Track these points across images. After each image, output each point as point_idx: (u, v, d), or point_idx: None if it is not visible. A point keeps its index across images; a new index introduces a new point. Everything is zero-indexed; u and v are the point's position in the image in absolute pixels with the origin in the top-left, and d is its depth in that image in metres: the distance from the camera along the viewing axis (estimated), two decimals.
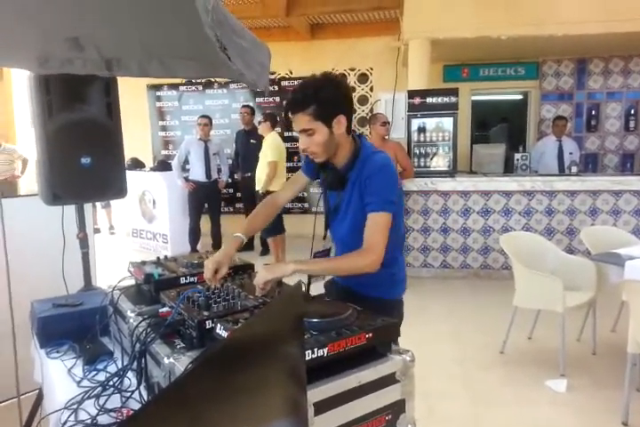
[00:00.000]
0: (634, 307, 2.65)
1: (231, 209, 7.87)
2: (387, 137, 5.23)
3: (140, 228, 7.12)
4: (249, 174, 6.52)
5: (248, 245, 6.70)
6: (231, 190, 7.73)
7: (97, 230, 7.40)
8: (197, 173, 6.39)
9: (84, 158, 2.39)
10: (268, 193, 5.61)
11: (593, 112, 7.49)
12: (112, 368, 1.55)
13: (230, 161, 7.17)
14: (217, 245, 6.35)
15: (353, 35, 7.48)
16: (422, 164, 5.87)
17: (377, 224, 1.63)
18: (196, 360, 1.17)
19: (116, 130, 2.53)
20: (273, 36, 7.23)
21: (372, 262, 1.59)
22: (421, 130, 5.86)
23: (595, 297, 3.38)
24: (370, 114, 7.65)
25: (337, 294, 1.88)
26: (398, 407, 1.25)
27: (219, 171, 6.63)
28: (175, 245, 6.51)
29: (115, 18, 1.74)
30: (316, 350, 1.13)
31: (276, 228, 5.73)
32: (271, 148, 5.74)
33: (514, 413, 2.82)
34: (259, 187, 5.81)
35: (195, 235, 6.43)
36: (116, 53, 1.93)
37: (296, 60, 7.41)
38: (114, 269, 2.63)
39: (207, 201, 6.51)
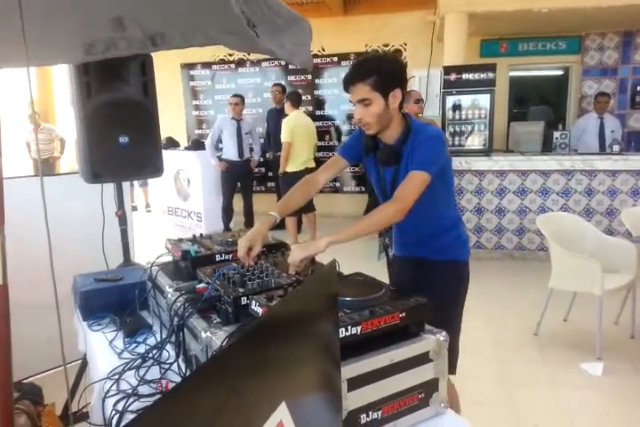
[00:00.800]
0: None
1: (263, 188, 7.92)
2: (420, 115, 5.13)
3: (175, 206, 7.25)
4: (279, 154, 6.52)
5: (280, 224, 6.73)
6: (263, 169, 7.76)
7: (134, 208, 7.57)
8: (230, 153, 6.43)
9: (121, 138, 2.44)
10: (285, 174, 5.61)
11: (638, 88, 7.18)
12: (151, 341, 1.60)
13: (262, 140, 7.18)
14: (249, 223, 6.42)
15: (387, 10, 7.31)
16: (457, 142, 5.76)
17: (412, 180, 1.68)
18: (234, 336, 1.20)
19: (152, 109, 2.56)
20: (306, 12, 7.11)
21: (398, 211, 1.63)
22: (456, 107, 5.73)
23: (634, 280, 3.30)
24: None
25: (405, 268, 1.98)
26: (431, 386, 1.25)
27: (251, 150, 6.66)
28: (209, 223, 6.61)
29: None
30: (349, 327, 1.14)
31: (304, 206, 5.75)
32: (284, 128, 5.64)
33: (547, 395, 2.80)
34: None
35: (228, 214, 6.50)
36: (159, 29, 1.93)
37: (329, 37, 7.30)
38: (151, 246, 2.70)
39: (239, 180, 6.54)
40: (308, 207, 5.88)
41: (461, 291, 1.95)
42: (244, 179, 6.59)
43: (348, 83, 1.73)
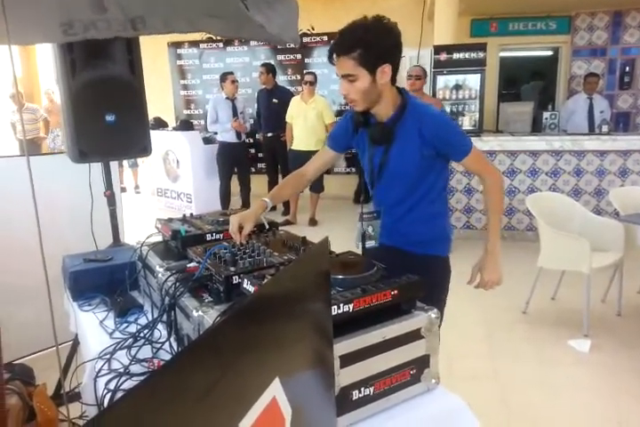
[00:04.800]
0: None
1: (253, 170, 7.86)
2: (419, 92, 4.94)
3: (164, 187, 7.19)
4: (270, 134, 6.44)
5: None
6: (253, 150, 7.70)
7: (123, 190, 7.50)
8: (227, 134, 6.23)
9: (108, 116, 2.39)
10: None
11: (627, 68, 7.18)
12: (142, 321, 1.60)
13: (252, 121, 7.08)
14: (246, 205, 6.38)
15: None
16: None
17: (475, 161, 1.71)
18: (226, 313, 1.20)
19: (139, 87, 2.52)
20: None
21: (499, 177, 1.77)
22: (447, 87, 5.71)
23: (622, 258, 3.34)
24: None
25: (387, 255, 1.86)
26: (423, 362, 1.26)
27: None
28: (199, 204, 6.57)
29: None
30: (341, 305, 1.14)
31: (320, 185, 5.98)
32: (327, 108, 5.99)
33: (536, 371, 2.85)
34: (305, 147, 5.81)
35: (226, 198, 6.38)
36: (140, 11, 1.89)
37: (318, 16, 7.18)
38: (140, 227, 2.68)
39: (236, 163, 6.36)
40: (316, 187, 6.00)
41: (441, 286, 1.88)
42: (240, 161, 6.41)
43: (332, 54, 1.59)
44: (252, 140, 6.98)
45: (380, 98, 1.65)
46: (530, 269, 3.53)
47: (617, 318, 3.48)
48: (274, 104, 6.34)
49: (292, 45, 2.13)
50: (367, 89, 1.60)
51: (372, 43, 1.54)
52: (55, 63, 2.37)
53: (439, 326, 1.73)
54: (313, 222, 6.08)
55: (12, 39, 1.29)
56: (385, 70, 1.59)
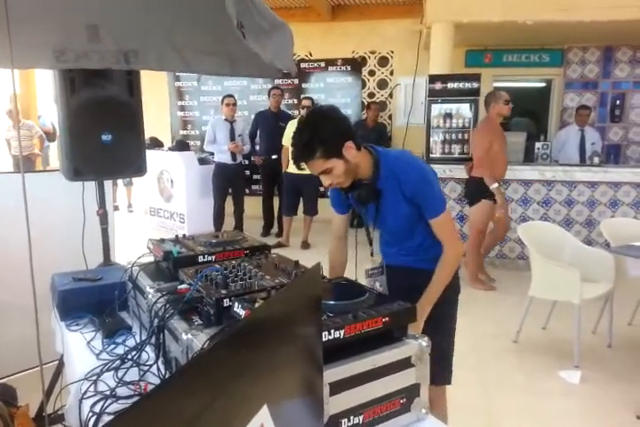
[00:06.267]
0: None
1: (247, 191, 7.87)
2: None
3: (157, 206, 7.17)
4: (275, 157, 6.44)
5: (266, 230, 6.71)
6: (248, 172, 7.71)
7: (116, 208, 7.47)
8: (223, 156, 6.25)
9: (105, 135, 2.40)
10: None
11: (618, 102, 7.33)
12: (130, 342, 1.57)
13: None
14: (239, 227, 6.34)
15: (375, 17, 7.36)
16: (441, 150, 5.81)
17: (442, 226, 1.79)
18: (216, 338, 1.19)
19: (136, 108, 2.53)
20: (293, 16, 7.14)
21: (457, 253, 1.82)
22: (441, 115, 5.79)
23: (612, 290, 3.35)
24: (389, 98, 7.59)
25: (397, 276, 1.96)
26: (413, 391, 1.25)
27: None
28: (192, 224, 6.54)
29: (136, 5, 1.73)
30: (332, 331, 1.13)
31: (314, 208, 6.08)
32: None
33: (525, 401, 2.82)
34: (300, 170, 5.78)
35: (220, 219, 6.35)
36: (134, 45, 1.92)
37: (316, 42, 7.32)
38: (131, 247, 2.66)
39: (231, 184, 6.36)
40: (310, 210, 6.07)
41: (453, 301, 1.96)
42: (236, 183, 6.41)
43: (299, 163, 1.71)
44: (247, 162, 7.00)
45: (358, 168, 1.74)
46: (521, 298, 3.53)
47: (607, 349, 3.47)
48: (279, 127, 6.34)
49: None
50: (345, 170, 1.70)
51: (324, 138, 1.64)
52: (54, 81, 2.39)
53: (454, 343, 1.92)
54: (305, 245, 6.07)
55: (8, 63, 1.31)
56: (348, 146, 1.67)
